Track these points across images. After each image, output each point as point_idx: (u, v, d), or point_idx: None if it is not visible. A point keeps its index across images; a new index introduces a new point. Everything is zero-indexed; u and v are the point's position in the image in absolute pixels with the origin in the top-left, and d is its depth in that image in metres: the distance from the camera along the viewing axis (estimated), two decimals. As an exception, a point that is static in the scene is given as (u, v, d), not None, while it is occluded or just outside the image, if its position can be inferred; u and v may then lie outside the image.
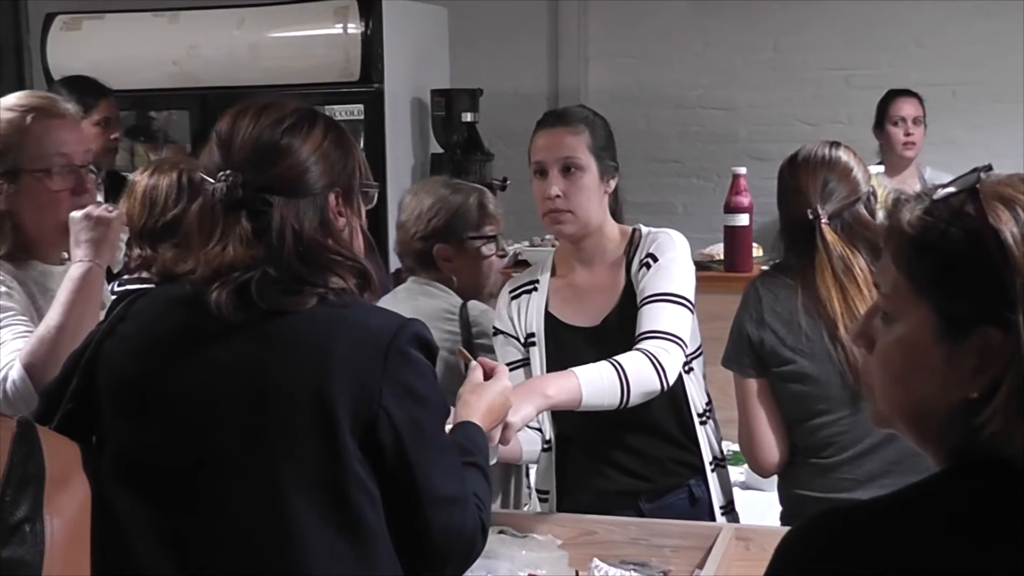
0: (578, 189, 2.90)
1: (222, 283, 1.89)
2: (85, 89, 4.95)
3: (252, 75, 5.90)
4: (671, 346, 2.77)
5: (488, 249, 3.34)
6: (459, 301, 3.23)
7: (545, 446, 3.04)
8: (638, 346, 2.77)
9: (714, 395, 3.07)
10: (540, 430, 3.01)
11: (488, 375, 2.40)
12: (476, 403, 2.31)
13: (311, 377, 1.85)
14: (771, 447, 2.91)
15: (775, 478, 2.99)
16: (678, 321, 2.82)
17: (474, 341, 3.14)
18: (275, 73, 5.89)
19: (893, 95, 5.70)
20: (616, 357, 2.72)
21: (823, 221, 2.83)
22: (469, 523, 1.97)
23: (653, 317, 2.81)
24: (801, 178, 2.92)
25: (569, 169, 2.90)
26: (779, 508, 3.02)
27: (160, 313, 1.99)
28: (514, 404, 2.45)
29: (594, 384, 2.65)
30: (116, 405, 1.97)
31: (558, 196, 2.89)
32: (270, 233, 1.92)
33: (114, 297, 3.21)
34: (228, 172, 1.94)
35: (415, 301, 3.23)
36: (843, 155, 2.92)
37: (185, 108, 6.26)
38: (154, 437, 1.93)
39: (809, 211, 2.85)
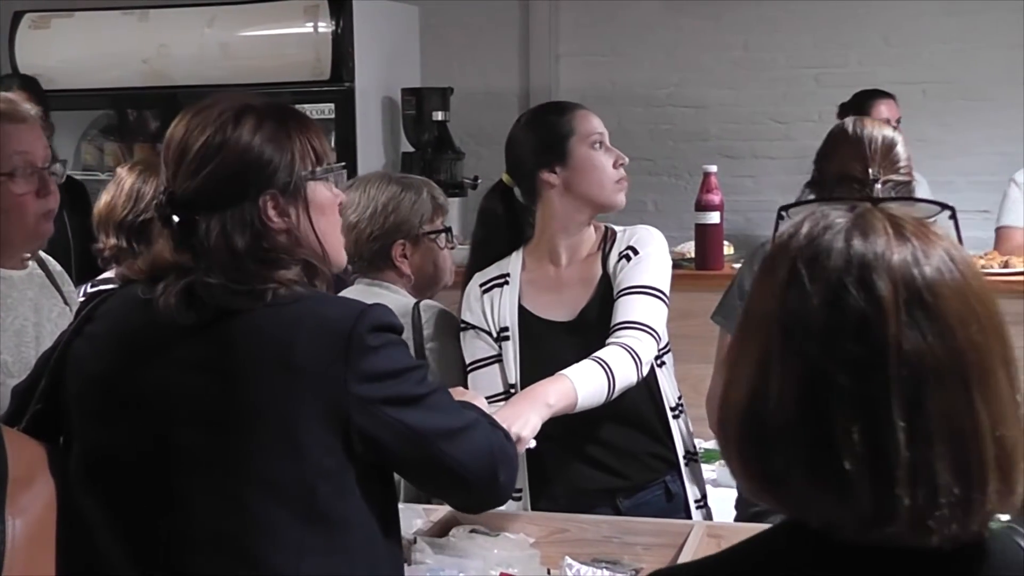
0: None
1: (165, 285, 1.90)
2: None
3: (222, 74, 5.88)
4: (645, 336, 2.80)
5: (443, 241, 3.33)
6: (411, 300, 3.20)
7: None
8: (614, 338, 2.79)
9: (685, 392, 3.06)
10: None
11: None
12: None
13: (274, 375, 1.85)
14: None
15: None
16: (653, 313, 2.85)
17: (425, 344, 3.11)
18: (245, 72, 5.86)
19: (869, 97, 5.65)
20: (598, 354, 2.73)
21: (879, 186, 2.87)
22: (486, 441, 2.01)
23: (629, 308, 2.84)
24: (865, 137, 2.96)
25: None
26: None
27: (126, 314, 1.99)
28: (521, 416, 2.50)
29: (587, 386, 2.66)
30: (83, 405, 1.97)
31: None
32: (200, 244, 1.91)
33: (83, 298, 3.20)
34: (163, 188, 1.96)
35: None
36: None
37: (155, 107, 6.22)
38: (120, 436, 1.93)
39: (870, 170, 2.90)
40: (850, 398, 1.16)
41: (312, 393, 1.85)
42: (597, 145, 3.01)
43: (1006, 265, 4.48)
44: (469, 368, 3.04)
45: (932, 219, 1.31)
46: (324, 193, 2.01)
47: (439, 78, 6.48)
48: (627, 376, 2.73)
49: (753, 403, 1.22)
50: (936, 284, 1.18)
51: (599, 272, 2.99)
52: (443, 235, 3.30)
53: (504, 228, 3.11)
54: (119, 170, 3.46)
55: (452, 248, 3.37)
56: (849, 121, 3.03)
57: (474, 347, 3.03)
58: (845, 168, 2.93)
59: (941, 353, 1.16)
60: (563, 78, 6.93)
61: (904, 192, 2.87)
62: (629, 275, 2.90)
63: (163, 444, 1.89)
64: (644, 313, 2.84)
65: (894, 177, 2.88)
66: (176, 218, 1.92)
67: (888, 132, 2.96)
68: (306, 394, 1.85)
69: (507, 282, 3.04)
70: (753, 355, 1.23)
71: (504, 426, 2.37)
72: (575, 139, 3.00)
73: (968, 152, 6.27)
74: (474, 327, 3.03)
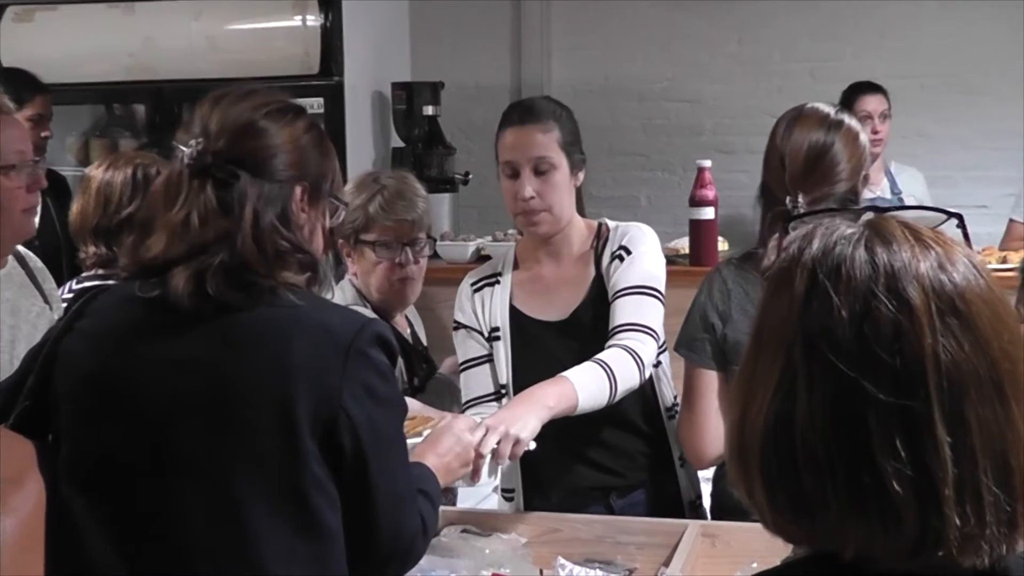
0: (551, 188, 2.89)
1: (185, 267, 1.88)
2: (22, 83, 4.87)
3: (210, 67, 5.86)
4: (647, 338, 2.80)
5: (375, 255, 3.30)
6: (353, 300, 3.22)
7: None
8: (616, 340, 2.79)
9: (677, 389, 3.07)
10: None
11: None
12: (425, 451, 2.33)
13: (271, 378, 1.86)
14: (716, 440, 2.80)
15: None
16: (652, 313, 2.85)
17: None
18: (233, 66, 5.85)
19: (858, 90, 5.63)
20: (600, 356, 2.73)
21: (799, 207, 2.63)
22: (413, 523, 1.99)
23: (628, 309, 2.84)
24: (786, 149, 2.72)
25: (542, 169, 2.88)
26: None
27: (118, 310, 1.98)
28: (520, 418, 2.50)
29: (588, 388, 2.66)
30: (75, 403, 1.96)
31: (532, 197, 2.87)
32: (231, 206, 1.91)
33: (71, 295, 3.19)
34: (199, 139, 1.95)
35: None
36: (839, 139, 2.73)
37: (141, 102, 6.21)
38: (114, 436, 1.93)
39: (787, 196, 2.67)
40: (889, 413, 1.12)
41: (307, 399, 1.85)
42: (508, 172, 2.92)
43: (1003, 261, 4.49)
44: (461, 367, 3.05)
45: (937, 227, 1.29)
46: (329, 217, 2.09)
47: (430, 72, 6.48)
48: (629, 379, 2.73)
49: (777, 425, 1.17)
50: (966, 292, 1.16)
51: (592, 272, 2.99)
52: (378, 248, 3.28)
53: None
54: (85, 172, 3.44)
55: (400, 265, 3.29)
56: (782, 121, 2.78)
57: (466, 346, 3.03)
58: (768, 180, 2.76)
59: (979, 363, 1.14)
60: (555, 72, 6.93)
61: (838, 204, 2.61)
62: (624, 275, 2.89)
63: (157, 445, 1.89)
64: (643, 314, 2.84)
65: (826, 191, 2.64)
66: (213, 168, 1.93)
67: (818, 137, 2.69)
68: (301, 400, 1.85)
69: (498, 281, 3.04)
70: (773, 374, 1.18)
71: (502, 428, 2.40)
72: (499, 158, 2.95)
73: (966, 147, 6.27)
74: (466, 326, 3.03)
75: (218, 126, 1.96)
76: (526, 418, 2.52)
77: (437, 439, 2.38)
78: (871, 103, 5.53)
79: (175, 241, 1.91)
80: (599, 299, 2.93)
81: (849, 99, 5.60)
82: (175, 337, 1.90)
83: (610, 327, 2.83)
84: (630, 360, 2.74)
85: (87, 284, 3.27)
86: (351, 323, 1.93)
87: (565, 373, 2.67)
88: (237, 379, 1.87)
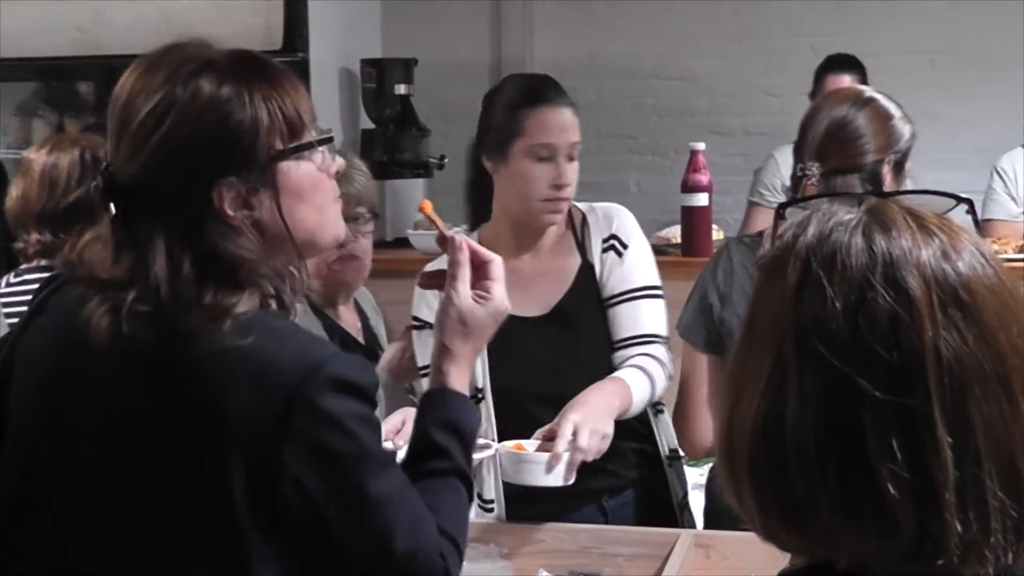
0: (575, 175, 2.95)
1: (101, 298, 1.70)
2: None
3: (164, 42, 5.81)
4: (666, 350, 2.95)
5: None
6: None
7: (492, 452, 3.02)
8: (649, 351, 2.91)
9: (670, 388, 3.08)
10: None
11: (480, 271, 2.02)
12: (460, 347, 1.98)
13: (205, 429, 1.69)
14: (709, 427, 2.87)
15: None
16: (663, 317, 2.98)
17: None
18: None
19: (829, 67, 5.57)
20: (640, 363, 2.86)
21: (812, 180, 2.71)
22: (429, 572, 1.78)
23: (652, 317, 2.96)
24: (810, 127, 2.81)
25: (573, 155, 2.92)
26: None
27: (73, 313, 1.76)
28: (599, 414, 2.61)
29: (639, 393, 2.83)
30: (18, 416, 1.83)
31: (569, 185, 2.91)
32: (137, 252, 1.70)
33: (8, 289, 3.17)
34: (106, 162, 1.77)
35: None
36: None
37: (90, 78, 6.19)
38: (43, 463, 1.81)
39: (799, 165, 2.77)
40: (886, 412, 1.11)
41: (245, 466, 1.66)
42: (541, 157, 2.91)
43: (1022, 250, 4.51)
44: (422, 372, 2.99)
45: (946, 213, 1.29)
46: (303, 170, 1.79)
47: (402, 48, 6.47)
48: (661, 392, 2.91)
49: (767, 424, 1.17)
50: (971, 282, 1.15)
51: (577, 261, 3.00)
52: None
53: (470, 200, 3.09)
54: (25, 155, 3.42)
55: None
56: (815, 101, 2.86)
57: (428, 348, 2.95)
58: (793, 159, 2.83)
59: (983, 358, 1.13)
60: (538, 49, 6.92)
61: (856, 177, 2.70)
62: (630, 275, 2.96)
63: (85, 484, 1.76)
64: (662, 321, 2.96)
65: (846, 163, 2.71)
66: (113, 207, 1.72)
67: (842, 110, 2.77)
68: (239, 466, 1.66)
69: None
70: (763, 369, 1.18)
71: (591, 423, 2.55)
72: (519, 142, 2.91)
73: (980, 127, 6.28)
74: (430, 324, 2.94)
75: (115, 135, 1.78)
76: (605, 414, 2.61)
77: (475, 320, 2.00)
78: (843, 83, 5.28)
79: (92, 274, 1.74)
80: (586, 290, 2.95)
81: (820, 77, 5.53)
82: (110, 366, 1.72)
83: (629, 334, 2.93)
84: (662, 372, 2.89)
85: (27, 277, 3.25)
86: (302, 363, 1.67)
87: (619, 375, 2.80)
88: (171, 428, 1.70)
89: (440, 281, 2.04)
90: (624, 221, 3.00)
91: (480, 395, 2.92)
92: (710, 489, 3.06)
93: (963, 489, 1.11)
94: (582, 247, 2.99)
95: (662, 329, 2.95)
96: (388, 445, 1.96)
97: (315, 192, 1.81)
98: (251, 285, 1.72)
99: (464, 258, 2.00)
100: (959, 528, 1.11)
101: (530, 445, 2.69)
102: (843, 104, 2.80)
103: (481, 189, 2.97)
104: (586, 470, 3.00)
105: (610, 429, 2.59)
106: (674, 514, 3.02)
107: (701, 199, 4.77)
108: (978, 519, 1.12)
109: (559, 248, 3.01)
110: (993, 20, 6.24)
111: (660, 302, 2.97)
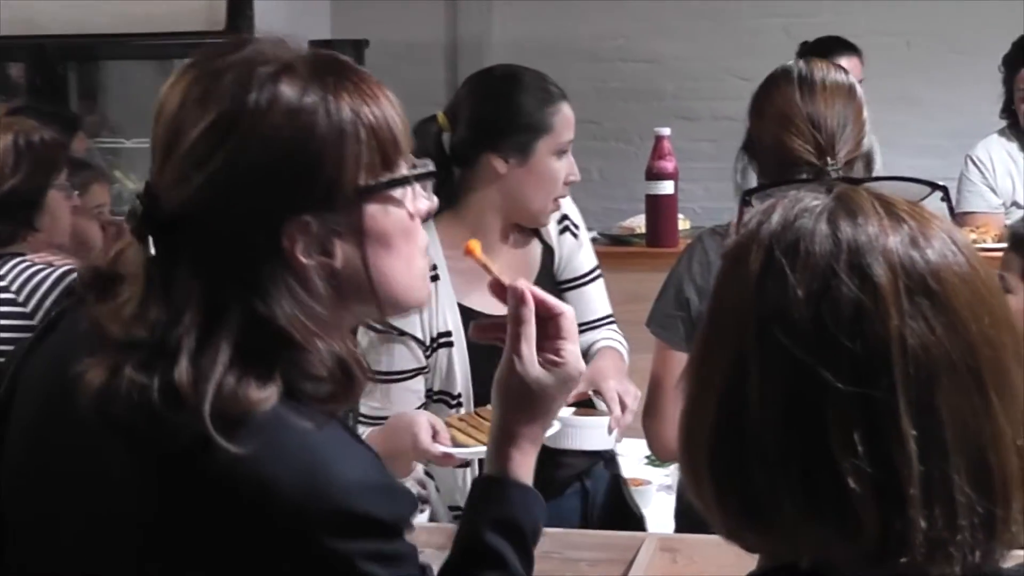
0: None
1: (103, 353, 1.44)
2: None
3: (100, 21, 5.82)
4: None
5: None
6: None
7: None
8: (613, 331, 3.14)
9: (638, 385, 3.07)
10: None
11: (547, 327, 1.70)
12: (525, 428, 1.69)
13: (189, 553, 1.44)
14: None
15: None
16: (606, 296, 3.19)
17: None
18: (126, 20, 5.80)
19: (829, 48, 5.46)
20: (613, 346, 3.09)
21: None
22: None
23: (603, 299, 3.15)
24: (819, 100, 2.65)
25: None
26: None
27: (65, 353, 1.51)
28: (630, 387, 2.85)
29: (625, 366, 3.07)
30: (11, 450, 1.61)
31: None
32: (169, 297, 1.44)
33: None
34: (147, 183, 1.49)
35: None
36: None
37: (19, 60, 6.16)
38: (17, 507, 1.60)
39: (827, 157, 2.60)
40: (848, 404, 1.12)
41: None
42: (563, 154, 2.96)
43: (1000, 240, 4.53)
44: (386, 379, 2.88)
45: (921, 200, 1.29)
46: (394, 215, 1.53)
47: (352, 29, 6.45)
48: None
49: (727, 417, 1.17)
50: (941, 270, 1.15)
51: (538, 247, 3.05)
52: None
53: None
54: None
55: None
56: (795, 67, 2.69)
57: (393, 355, 2.89)
58: (785, 143, 2.63)
59: (952, 348, 1.13)
60: (496, 29, 6.93)
61: (863, 165, 2.63)
62: (585, 258, 3.12)
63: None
64: (606, 300, 3.16)
65: (856, 152, 2.62)
66: (152, 242, 1.45)
67: (843, 78, 2.70)
68: None
69: (437, 275, 2.89)
70: (724, 361, 1.19)
71: (633, 389, 2.83)
72: (546, 139, 2.91)
73: (958, 111, 6.31)
74: (402, 332, 2.89)
75: (160, 151, 1.50)
76: (627, 379, 2.89)
77: (548, 395, 1.69)
78: (848, 68, 5.37)
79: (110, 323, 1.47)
80: (550, 276, 3.04)
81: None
82: (83, 449, 1.49)
83: (592, 317, 3.09)
84: (625, 352, 3.11)
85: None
86: (306, 490, 1.40)
87: (612, 345, 3.05)
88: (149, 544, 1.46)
89: (499, 335, 1.73)
90: (569, 201, 3.06)
91: (459, 401, 2.91)
92: (681, 491, 3.05)
93: (928, 484, 1.12)
94: (537, 231, 3.05)
95: (610, 307, 3.16)
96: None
97: (406, 240, 1.55)
98: (291, 368, 1.44)
99: (529, 314, 1.68)
100: (924, 525, 1.12)
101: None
102: (840, 72, 2.81)
103: (447, 179, 2.90)
104: (567, 456, 3.03)
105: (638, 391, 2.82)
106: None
107: (666, 187, 4.77)
108: (944, 516, 1.12)
109: (520, 238, 3.03)
110: (971, 0, 6.27)
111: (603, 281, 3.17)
